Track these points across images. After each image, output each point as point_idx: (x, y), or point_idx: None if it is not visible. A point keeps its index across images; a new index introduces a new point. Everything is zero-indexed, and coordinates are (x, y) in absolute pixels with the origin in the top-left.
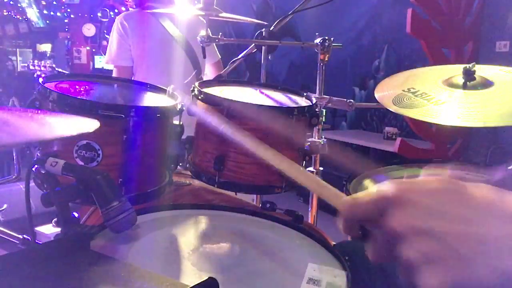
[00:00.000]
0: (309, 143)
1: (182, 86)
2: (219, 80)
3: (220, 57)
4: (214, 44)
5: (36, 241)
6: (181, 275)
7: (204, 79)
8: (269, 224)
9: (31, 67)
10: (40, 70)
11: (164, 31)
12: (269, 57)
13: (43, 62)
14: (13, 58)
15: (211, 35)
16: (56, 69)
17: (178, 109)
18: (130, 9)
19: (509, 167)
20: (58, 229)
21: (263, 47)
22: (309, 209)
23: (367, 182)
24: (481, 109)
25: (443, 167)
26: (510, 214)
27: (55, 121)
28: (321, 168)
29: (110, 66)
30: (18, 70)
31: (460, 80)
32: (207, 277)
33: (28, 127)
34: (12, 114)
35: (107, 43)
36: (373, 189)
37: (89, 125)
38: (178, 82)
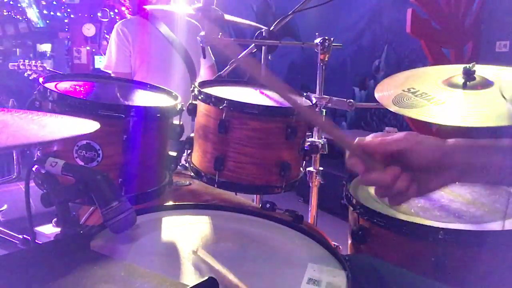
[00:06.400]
0: (309, 143)
1: (179, 90)
2: (219, 80)
3: (214, 60)
4: (208, 47)
5: (36, 241)
6: (181, 275)
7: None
8: (269, 224)
9: (21, 67)
10: (31, 70)
11: (162, 37)
12: (269, 57)
13: (33, 62)
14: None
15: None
16: (48, 68)
17: (178, 109)
18: (128, 15)
19: None
20: (58, 229)
21: (263, 47)
22: (309, 209)
23: None
24: (481, 109)
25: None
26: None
27: (55, 122)
28: (321, 168)
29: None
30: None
31: (460, 80)
32: (207, 277)
33: (28, 129)
34: (12, 115)
35: (107, 44)
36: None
37: (89, 126)
38: (176, 86)
